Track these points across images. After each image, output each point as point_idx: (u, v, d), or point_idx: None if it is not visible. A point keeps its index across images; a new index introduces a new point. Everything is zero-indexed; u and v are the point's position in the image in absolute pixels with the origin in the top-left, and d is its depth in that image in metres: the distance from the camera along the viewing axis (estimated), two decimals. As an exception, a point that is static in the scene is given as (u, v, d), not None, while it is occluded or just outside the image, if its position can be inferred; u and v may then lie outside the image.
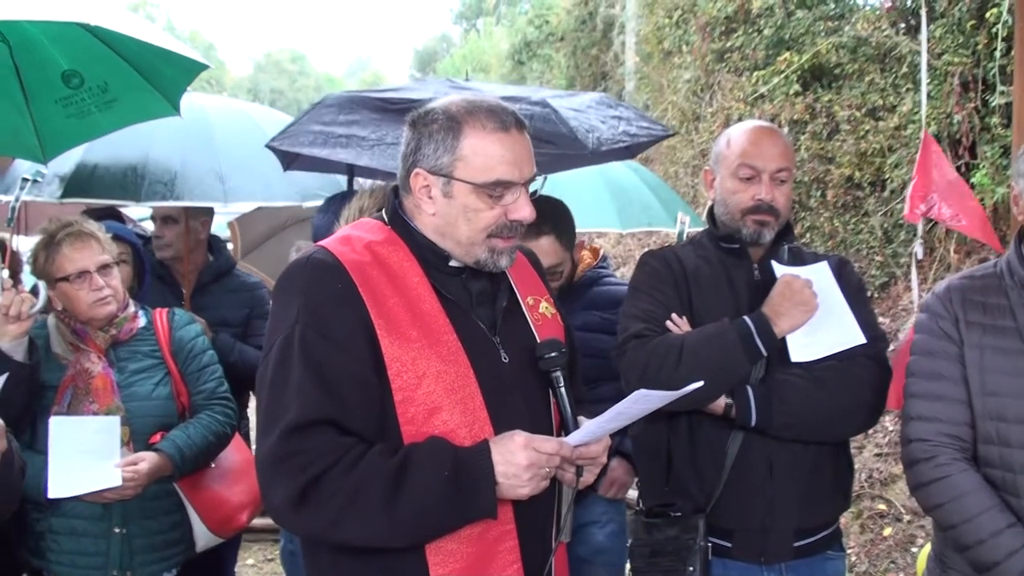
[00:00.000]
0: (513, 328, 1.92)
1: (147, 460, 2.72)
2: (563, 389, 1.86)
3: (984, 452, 2.09)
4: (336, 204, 2.93)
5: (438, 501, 1.68)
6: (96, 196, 4.07)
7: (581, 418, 1.87)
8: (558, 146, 3.10)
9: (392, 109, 3.11)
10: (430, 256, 1.85)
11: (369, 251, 1.83)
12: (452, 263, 1.87)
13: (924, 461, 2.11)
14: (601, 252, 3.40)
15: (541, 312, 2.00)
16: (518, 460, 1.69)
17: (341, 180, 4.40)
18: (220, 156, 4.22)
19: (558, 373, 1.87)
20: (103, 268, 2.78)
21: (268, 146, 3.52)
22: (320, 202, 4.38)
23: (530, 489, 1.72)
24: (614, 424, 1.80)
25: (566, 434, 1.82)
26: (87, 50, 3.23)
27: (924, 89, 3.41)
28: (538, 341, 1.92)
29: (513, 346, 1.89)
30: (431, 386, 1.75)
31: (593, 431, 1.78)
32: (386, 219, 1.92)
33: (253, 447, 3.14)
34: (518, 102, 3.25)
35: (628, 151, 3.72)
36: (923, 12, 3.45)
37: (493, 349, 1.86)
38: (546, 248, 2.98)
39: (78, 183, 4.00)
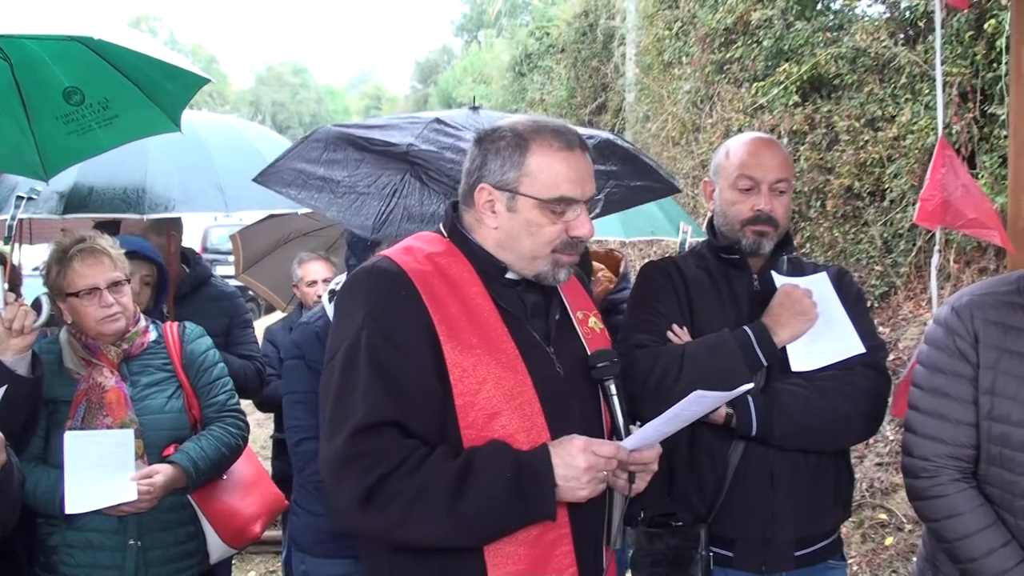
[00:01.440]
0: (565, 340, 1.98)
1: (162, 472, 2.74)
2: (615, 397, 1.92)
3: (986, 472, 2.09)
4: (359, 250, 2.94)
5: (500, 503, 1.72)
6: (97, 211, 4.09)
7: (632, 427, 1.91)
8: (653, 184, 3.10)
9: (371, 150, 3.10)
10: (488, 268, 1.91)
11: (430, 261, 1.88)
12: (508, 275, 1.92)
13: (925, 479, 2.13)
14: (622, 268, 3.35)
15: (590, 326, 2.06)
16: (578, 463, 1.73)
17: None
18: (216, 168, 4.28)
19: (611, 381, 1.93)
20: (114, 285, 2.79)
21: (255, 180, 3.51)
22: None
23: (589, 491, 1.76)
24: (669, 428, 1.84)
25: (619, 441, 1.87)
26: (88, 67, 3.25)
27: (940, 94, 3.39)
28: (589, 352, 1.98)
29: (566, 357, 1.94)
30: (491, 391, 1.79)
31: (648, 435, 1.83)
32: (445, 232, 1.97)
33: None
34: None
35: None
36: (937, 11, 3.43)
37: (548, 359, 1.91)
38: None
39: (78, 199, 4.03)
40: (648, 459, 1.86)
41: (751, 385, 1.97)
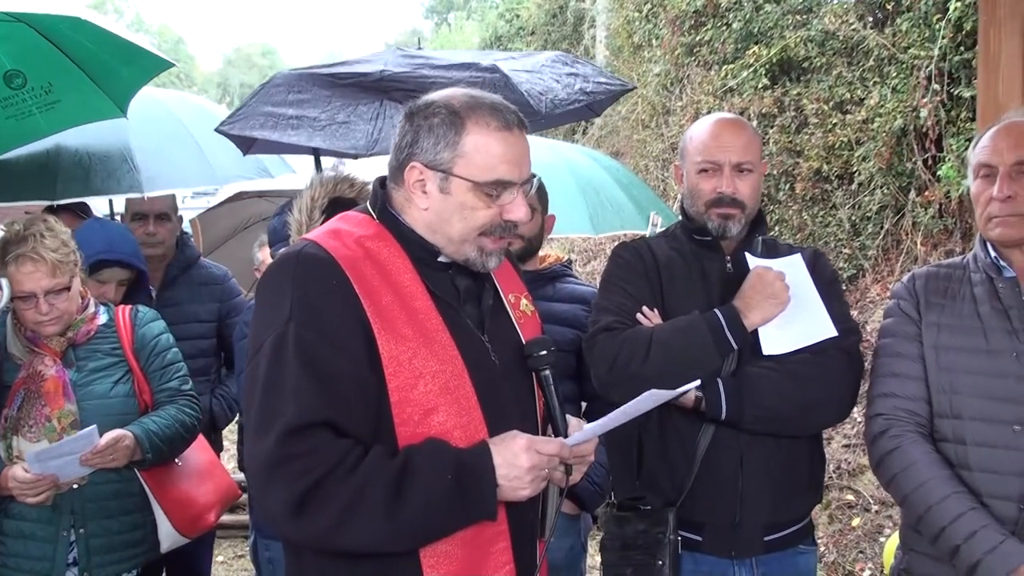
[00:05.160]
0: (499, 327, 1.90)
1: (113, 434, 2.68)
2: (553, 388, 1.85)
3: (939, 426, 2.18)
4: (291, 207, 2.90)
5: (441, 505, 1.65)
6: (12, 199, 4.03)
7: (570, 417, 1.86)
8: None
9: (342, 84, 3.07)
10: (419, 251, 1.81)
11: (360, 246, 1.77)
12: (440, 259, 1.83)
13: (880, 434, 2.21)
14: (567, 258, 3.43)
15: (522, 310, 1.99)
16: (521, 462, 1.67)
17: (268, 161, 4.44)
18: (133, 144, 4.20)
19: (548, 372, 1.85)
20: (52, 292, 2.69)
21: (218, 130, 3.46)
22: (242, 184, 4.41)
23: (531, 490, 1.70)
24: (616, 423, 1.80)
25: (554, 432, 1.82)
26: (33, 50, 3.17)
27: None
28: (523, 340, 1.91)
29: (500, 345, 1.87)
30: (428, 386, 1.71)
31: (594, 431, 1.79)
32: (374, 213, 1.86)
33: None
34: (468, 69, 3.25)
35: (589, 109, 3.73)
36: None
37: (483, 348, 1.83)
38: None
39: None
40: (586, 452, 1.81)
41: (697, 383, 1.94)
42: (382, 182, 1.89)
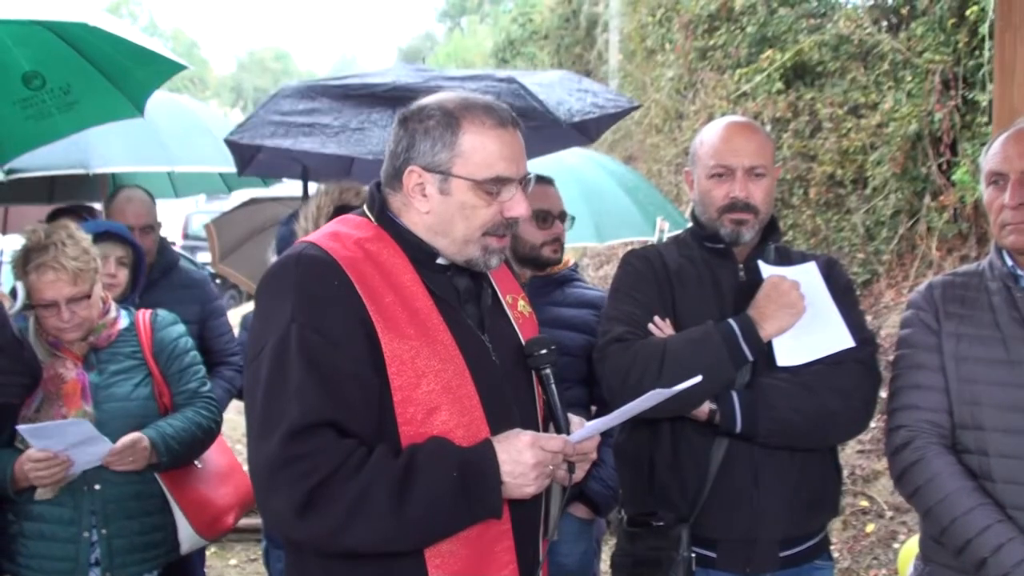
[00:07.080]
0: (498, 326, 1.91)
1: (144, 439, 2.70)
2: (554, 386, 1.85)
3: (961, 437, 2.16)
4: (298, 217, 2.92)
5: (446, 503, 1.65)
6: (41, 168, 4.19)
7: (571, 415, 1.86)
8: (531, 119, 3.11)
9: (353, 95, 3.09)
10: (417, 253, 1.82)
11: (360, 248, 1.78)
12: (439, 261, 1.84)
13: (903, 447, 2.18)
14: (573, 262, 3.44)
15: (520, 310, 1.99)
16: (526, 459, 1.67)
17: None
18: (159, 127, 4.46)
19: (548, 370, 1.86)
20: (73, 300, 2.71)
21: (227, 140, 3.49)
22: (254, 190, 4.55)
23: (535, 488, 1.70)
24: (618, 421, 1.81)
25: (556, 430, 1.82)
26: (51, 52, 3.21)
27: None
28: (522, 340, 1.92)
29: (500, 345, 1.87)
30: (431, 385, 1.71)
31: (597, 428, 1.79)
32: (371, 216, 1.87)
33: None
34: (483, 80, 3.24)
35: (598, 124, 3.76)
36: None
37: (484, 348, 1.83)
38: (556, 194, 3.12)
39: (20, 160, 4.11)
40: (588, 449, 1.81)
41: (699, 378, 1.91)
42: (378, 185, 1.90)
